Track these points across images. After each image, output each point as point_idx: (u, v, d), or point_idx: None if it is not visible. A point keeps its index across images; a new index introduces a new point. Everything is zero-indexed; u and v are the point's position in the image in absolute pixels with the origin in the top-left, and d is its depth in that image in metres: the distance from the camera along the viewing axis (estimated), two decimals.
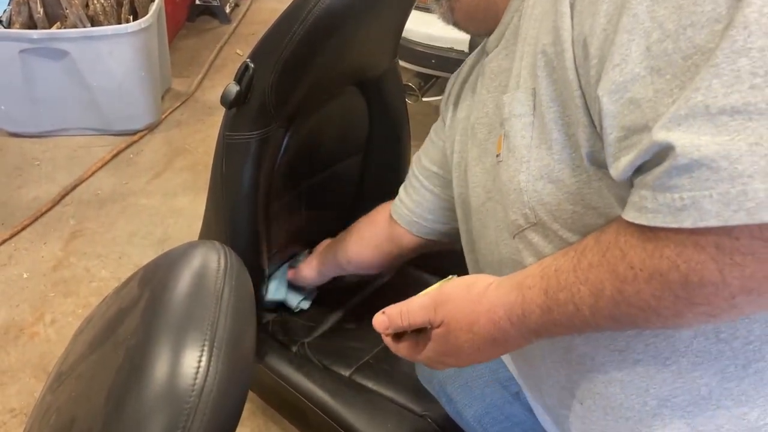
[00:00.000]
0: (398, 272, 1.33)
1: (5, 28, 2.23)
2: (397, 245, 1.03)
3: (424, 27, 1.97)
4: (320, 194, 1.25)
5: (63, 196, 2.13)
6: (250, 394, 1.33)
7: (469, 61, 0.88)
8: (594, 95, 0.50)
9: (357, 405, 1.04)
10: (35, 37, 2.17)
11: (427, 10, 2.04)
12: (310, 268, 1.20)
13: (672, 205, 0.43)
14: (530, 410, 0.78)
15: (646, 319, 0.49)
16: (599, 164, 0.54)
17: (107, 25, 2.29)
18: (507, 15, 0.70)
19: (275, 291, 1.22)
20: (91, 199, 2.14)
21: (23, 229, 1.98)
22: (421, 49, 1.99)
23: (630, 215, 0.47)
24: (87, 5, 2.30)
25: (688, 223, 0.43)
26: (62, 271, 1.85)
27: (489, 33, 0.75)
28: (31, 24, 2.26)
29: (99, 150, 2.36)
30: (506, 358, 0.87)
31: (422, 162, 1.00)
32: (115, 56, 2.24)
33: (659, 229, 0.45)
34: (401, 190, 1.04)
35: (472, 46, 1.80)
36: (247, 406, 1.54)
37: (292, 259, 1.27)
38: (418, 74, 2.12)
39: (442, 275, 1.30)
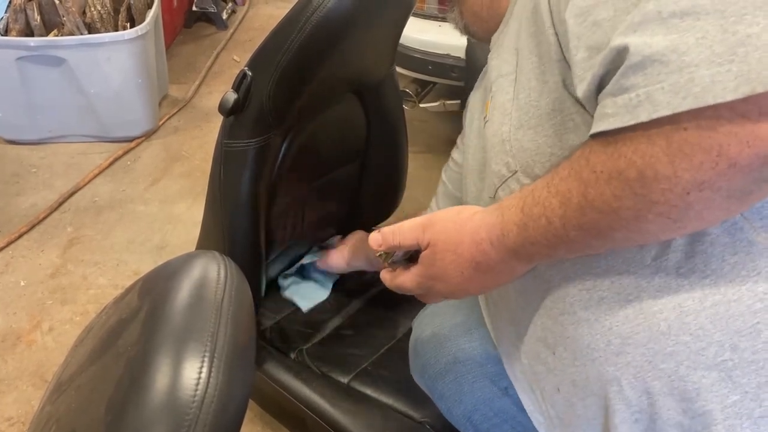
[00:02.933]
0: None
1: (2, 35, 2.23)
2: None
3: (422, 34, 1.98)
4: (318, 201, 1.25)
5: (60, 203, 2.12)
6: (249, 402, 1.33)
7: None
8: (562, 19, 0.54)
9: (356, 412, 1.04)
10: (32, 44, 2.18)
11: (424, 17, 2.05)
12: (341, 257, 1.25)
13: (629, 104, 0.46)
14: (520, 405, 0.78)
15: (609, 225, 0.51)
16: (576, 97, 0.57)
17: (104, 32, 2.29)
18: (508, 11, 0.76)
19: (287, 290, 1.26)
20: (88, 206, 2.13)
21: (20, 236, 1.98)
22: (419, 56, 1.99)
23: (594, 127, 0.50)
24: (84, 12, 2.30)
25: (643, 117, 0.45)
26: (60, 278, 1.85)
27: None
28: (28, 31, 2.26)
29: (96, 157, 2.36)
30: (488, 326, 0.87)
31: (449, 167, 1.07)
32: (112, 63, 2.25)
33: (618, 133, 0.48)
34: (432, 200, 1.11)
35: (469, 52, 1.80)
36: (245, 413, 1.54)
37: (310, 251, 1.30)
38: (416, 80, 2.13)
39: None
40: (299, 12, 0.87)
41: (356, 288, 1.31)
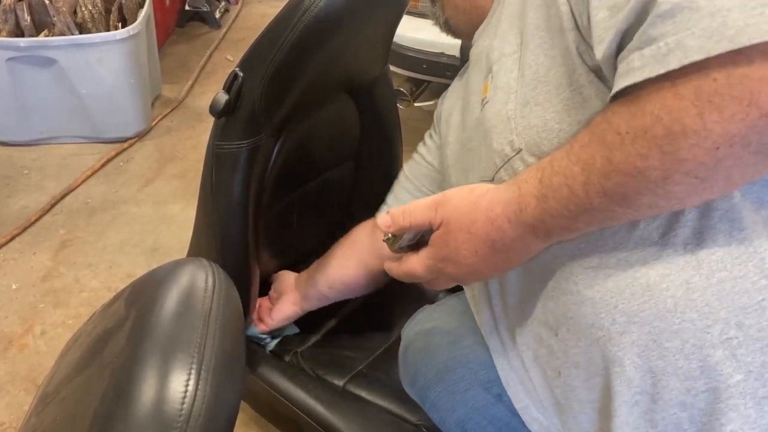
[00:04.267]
0: (393, 281, 1.31)
1: None
2: (382, 257, 1.02)
3: (415, 32, 1.97)
4: (312, 202, 1.24)
5: (52, 205, 2.11)
6: (243, 405, 1.32)
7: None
8: None
9: (351, 415, 1.03)
10: (23, 45, 2.16)
11: (418, 15, 2.04)
12: (291, 303, 1.16)
13: (657, 54, 0.45)
14: (513, 411, 0.77)
15: (635, 189, 0.49)
16: (589, 65, 0.57)
17: (95, 32, 2.27)
18: (493, 6, 0.77)
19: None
20: (81, 207, 2.12)
21: (12, 239, 1.96)
22: (413, 54, 1.98)
23: (617, 85, 0.49)
24: (75, 12, 2.28)
25: (674, 64, 0.44)
26: (52, 281, 1.83)
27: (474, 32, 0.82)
28: (19, 32, 2.24)
29: (89, 158, 2.34)
30: (477, 319, 0.87)
31: (414, 161, 1.05)
32: (104, 63, 2.23)
33: (641, 91, 0.47)
34: (388, 196, 1.06)
35: (463, 50, 1.80)
36: (240, 416, 1.53)
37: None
38: (410, 79, 2.12)
39: None
40: (291, 11, 0.86)
41: None
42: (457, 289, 0.96)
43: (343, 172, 1.27)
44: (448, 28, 0.90)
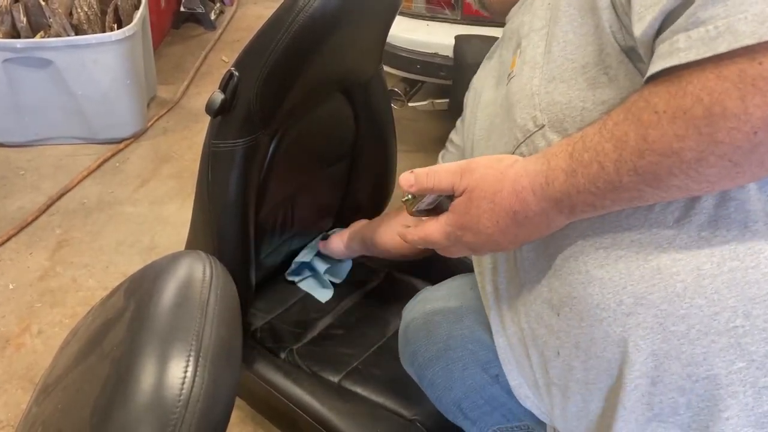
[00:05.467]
0: (387, 278, 1.33)
1: None
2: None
3: (410, 33, 1.98)
4: (307, 200, 1.25)
5: (49, 206, 2.11)
6: (240, 402, 1.33)
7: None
8: None
9: (346, 411, 1.04)
10: (19, 46, 2.16)
11: (412, 16, 2.06)
12: (340, 240, 1.27)
13: (706, 37, 0.45)
14: (510, 392, 0.78)
15: (669, 169, 0.49)
16: (621, 45, 0.57)
17: (91, 33, 2.28)
18: None
19: (304, 254, 1.30)
20: (77, 208, 2.12)
21: (9, 239, 1.97)
22: (407, 55, 1.99)
23: (658, 65, 0.48)
24: (71, 14, 2.29)
25: (722, 48, 0.44)
26: (48, 281, 1.84)
27: (509, 11, 0.82)
28: (15, 33, 2.24)
29: (85, 159, 2.34)
30: (481, 291, 0.87)
31: (447, 150, 1.07)
32: (99, 65, 2.24)
33: (683, 71, 0.47)
34: None
35: (456, 51, 1.81)
36: (236, 413, 1.54)
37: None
38: (404, 79, 2.13)
39: (431, 281, 1.31)
40: (285, 12, 0.87)
41: (346, 287, 1.31)
42: (460, 271, 0.97)
43: (337, 171, 1.28)
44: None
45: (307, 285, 1.31)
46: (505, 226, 0.61)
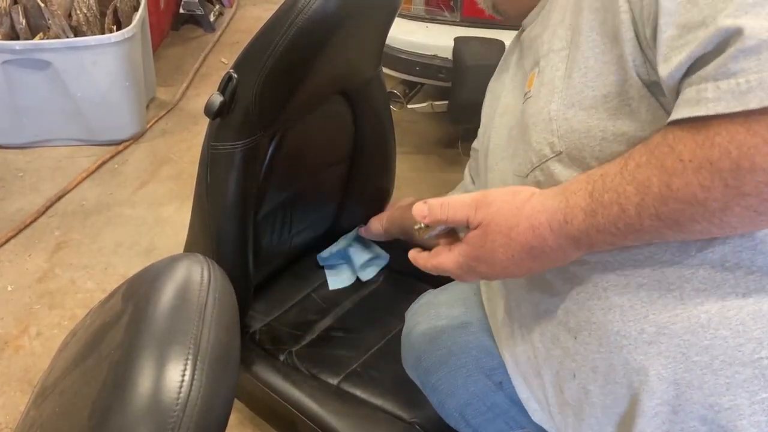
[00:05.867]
0: (388, 279, 1.33)
1: None
2: None
3: (409, 35, 1.98)
4: (306, 202, 1.25)
5: (47, 208, 2.11)
6: (239, 404, 1.32)
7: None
8: None
9: (345, 413, 1.04)
10: (18, 48, 2.16)
11: (411, 18, 2.06)
12: (379, 223, 1.28)
13: (736, 90, 0.44)
14: (514, 400, 0.78)
15: (692, 217, 0.49)
16: (643, 79, 0.56)
17: (90, 35, 2.28)
18: None
19: (341, 242, 1.32)
20: (76, 210, 2.12)
21: (7, 241, 1.97)
22: (406, 57, 1.99)
23: (685, 111, 0.48)
24: (70, 15, 2.29)
25: (754, 104, 0.43)
26: (47, 283, 1.83)
27: (526, 15, 0.80)
28: (14, 35, 2.24)
29: (84, 160, 2.34)
30: (486, 308, 0.87)
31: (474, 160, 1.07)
32: (98, 66, 2.23)
33: (711, 120, 0.46)
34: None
35: (456, 53, 1.81)
36: (235, 415, 1.54)
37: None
38: (403, 81, 2.13)
39: (431, 282, 1.30)
40: (284, 14, 0.87)
41: (346, 289, 1.31)
42: None
43: (336, 173, 1.28)
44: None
45: (330, 270, 1.32)
46: (521, 259, 0.61)
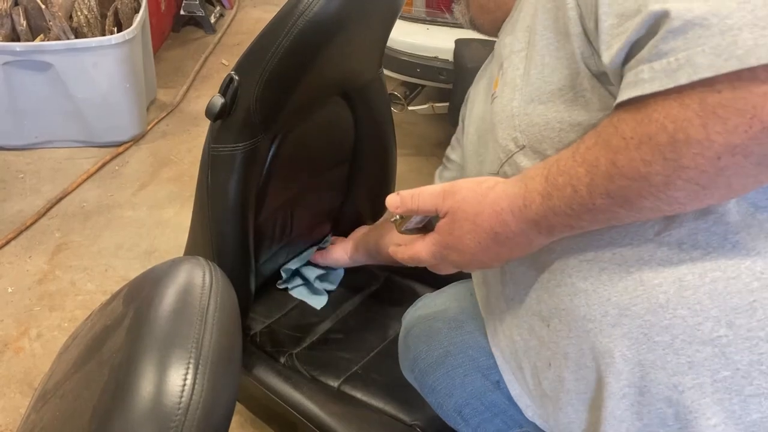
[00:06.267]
0: (387, 282, 1.33)
1: None
2: None
3: (410, 36, 1.98)
4: (307, 204, 1.25)
5: (48, 209, 2.11)
6: (239, 407, 1.32)
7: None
8: None
9: (346, 416, 1.04)
10: (18, 49, 2.16)
11: (412, 20, 2.06)
12: (343, 251, 1.28)
13: (667, 69, 0.47)
14: (511, 398, 0.78)
15: (638, 192, 0.51)
16: (592, 70, 0.59)
17: (91, 36, 2.28)
18: (516, 2, 0.78)
19: (293, 262, 1.29)
20: (76, 211, 2.12)
21: (7, 242, 1.97)
22: (407, 59, 2.00)
23: (625, 94, 0.50)
24: (71, 17, 2.29)
25: (683, 80, 0.46)
26: (47, 284, 1.83)
27: (500, 28, 0.83)
28: (14, 36, 2.24)
29: (84, 162, 2.34)
30: (480, 304, 0.88)
31: (445, 167, 1.08)
32: (99, 68, 2.24)
33: (648, 99, 0.48)
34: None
35: (456, 55, 1.81)
36: (236, 418, 1.54)
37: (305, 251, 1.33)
38: (404, 83, 2.13)
39: (431, 284, 1.30)
40: (285, 16, 0.87)
41: (346, 291, 1.31)
42: (459, 277, 0.97)
43: (337, 175, 1.28)
44: (474, 25, 0.93)
45: (300, 293, 1.30)
46: (487, 245, 0.63)
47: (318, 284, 1.29)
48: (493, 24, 0.87)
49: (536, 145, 0.64)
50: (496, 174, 0.69)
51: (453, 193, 0.65)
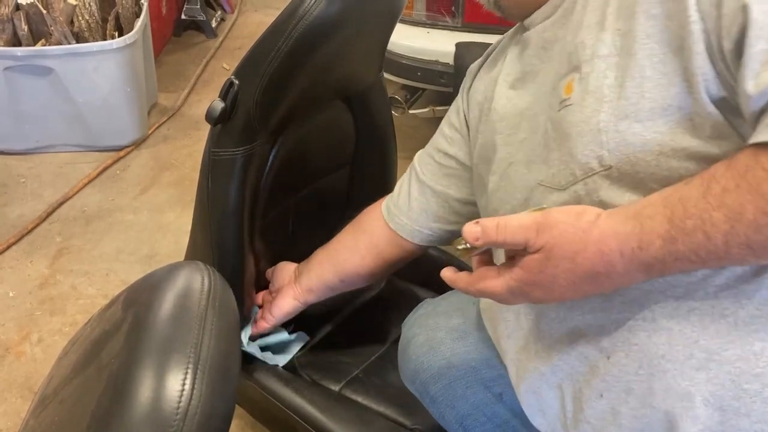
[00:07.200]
0: (387, 285, 1.33)
1: None
2: (401, 248, 0.98)
3: (410, 40, 1.98)
4: (308, 208, 1.24)
5: (49, 214, 2.11)
6: (240, 411, 1.32)
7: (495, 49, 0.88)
8: (737, 6, 0.49)
9: (347, 420, 1.03)
10: (20, 54, 2.16)
11: (412, 23, 2.06)
12: (291, 298, 1.09)
13: None
14: (513, 411, 0.77)
15: None
16: (711, 95, 0.53)
17: (92, 41, 2.28)
18: None
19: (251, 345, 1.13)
20: (77, 215, 2.12)
21: (9, 247, 1.97)
22: (407, 62, 2.00)
23: None
24: (72, 22, 2.29)
25: None
26: (49, 289, 1.83)
27: (530, 13, 0.75)
28: (16, 41, 2.25)
29: (85, 166, 2.34)
30: (487, 321, 0.84)
31: (431, 158, 0.97)
32: (100, 72, 2.24)
33: None
34: (395, 203, 1.00)
35: (457, 58, 1.81)
36: (236, 422, 1.53)
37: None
38: (405, 87, 2.13)
39: (433, 287, 1.30)
40: (285, 20, 0.87)
41: (346, 296, 1.30)
42: None
43: (338, 179, 1.28)
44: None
45: (266, 357, 1.13)
46: (581, 284, 0.57)
47: (269, 356, 1.13)
48: (520, 9, 0.77)
49: (627, 168, 0.57)
50: (561, 190, 0.63)
51: (549, 226, 0.57)
